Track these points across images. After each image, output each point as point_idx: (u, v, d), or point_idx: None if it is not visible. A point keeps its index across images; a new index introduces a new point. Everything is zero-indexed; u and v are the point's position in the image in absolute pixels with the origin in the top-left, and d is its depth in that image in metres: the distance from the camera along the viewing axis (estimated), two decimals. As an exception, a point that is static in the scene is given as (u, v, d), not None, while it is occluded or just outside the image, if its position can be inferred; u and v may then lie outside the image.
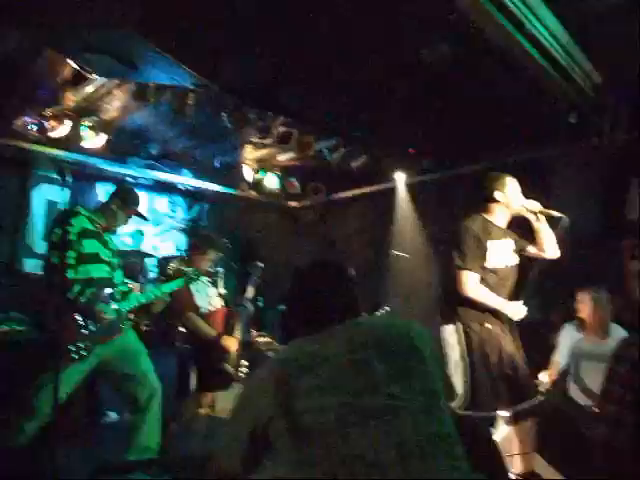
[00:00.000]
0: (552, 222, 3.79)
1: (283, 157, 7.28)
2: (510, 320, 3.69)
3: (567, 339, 4.55)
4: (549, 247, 3.79)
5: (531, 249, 3.85)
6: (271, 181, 7.77)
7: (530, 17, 3.76)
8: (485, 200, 3.74)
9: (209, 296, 4.54)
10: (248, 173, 7.76)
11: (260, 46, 4.32)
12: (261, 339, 6.95)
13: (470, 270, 3.53)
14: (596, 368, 3.85)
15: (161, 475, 2.37)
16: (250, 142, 6.66)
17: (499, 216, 3.73)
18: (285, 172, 7.85)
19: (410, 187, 7.20)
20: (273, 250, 8.30)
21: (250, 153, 7.43)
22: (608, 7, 3.92)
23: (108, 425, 4.83)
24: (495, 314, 3.62)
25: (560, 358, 4.52)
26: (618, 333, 4.28)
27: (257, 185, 7.90)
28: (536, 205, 3.70)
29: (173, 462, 3.06)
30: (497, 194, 3.69)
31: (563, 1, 3.86)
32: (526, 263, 3.88)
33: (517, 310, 3.60)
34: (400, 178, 7.24)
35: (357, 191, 7.80)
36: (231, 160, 7.70)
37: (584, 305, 4.41)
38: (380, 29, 4.10)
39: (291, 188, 7.94)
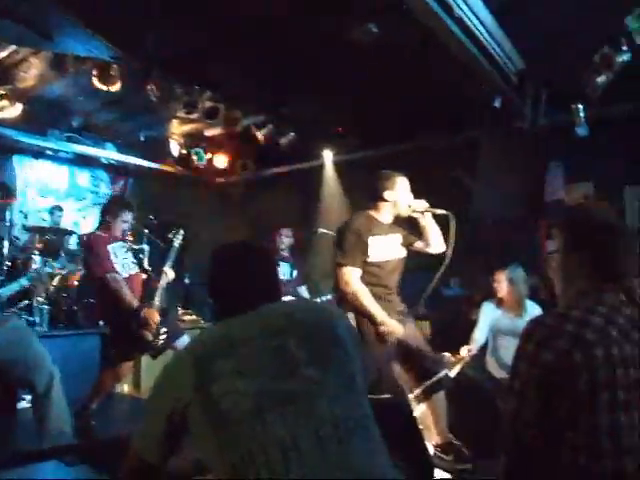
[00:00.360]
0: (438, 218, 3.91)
1: (210, 132, 7.15)
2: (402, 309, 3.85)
3: (486, 316, 4.73)
4: (435, 243, 3.93)
5: (418, 244, 3.98)
6: (198, 156, 7.63)
7: (458, 1, 3.82)
8: (374, 198, 3.83)
9: (126, 260, 4.38)
10: (175, 148, 7.60)
11: (185, 18, 4.22)
12: (187, 317, 6.90)
13: (349, 266, 3.64)
14: (512, 343, 4.03)
15: (78, 461, 2.32)
16: (177, 117, 6.51)
17: (385, 213, 3.82)
18: (212, 147, 7.73)
19: (338, 165, 7.23)
20: (200, 226, 8.20)
21: (177, 128, 7.27)
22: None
23: (24, 410, 4.65)
24: (392, 304, 3.75)
25: (480, 334, 4.69)
26: (533, 310, 4.48)
27: (184, 160, 7.75)
28: (422, 205, 3.82)
29: (92, 447, 2.98)
30: (386, 193, 3.76)
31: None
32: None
33: (393, 328, 3.61)
34: (328, 156, 7.26)
35: (285, 168, 7.77)
36: (157, 134, 7.52)
37: (501, 284, 4.60)
38: (309, 7, 4.08)
39: (218, 164, 7.83)
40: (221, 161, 8.01)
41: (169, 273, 4.56)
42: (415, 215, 3.86)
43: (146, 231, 6.55)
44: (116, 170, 8.04)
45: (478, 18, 4.14)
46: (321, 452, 1.33)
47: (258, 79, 5.38)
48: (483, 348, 4.76)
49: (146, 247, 6.46)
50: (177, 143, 7.59)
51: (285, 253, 6.06)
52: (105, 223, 4.42)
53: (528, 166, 5.67)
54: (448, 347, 4.50)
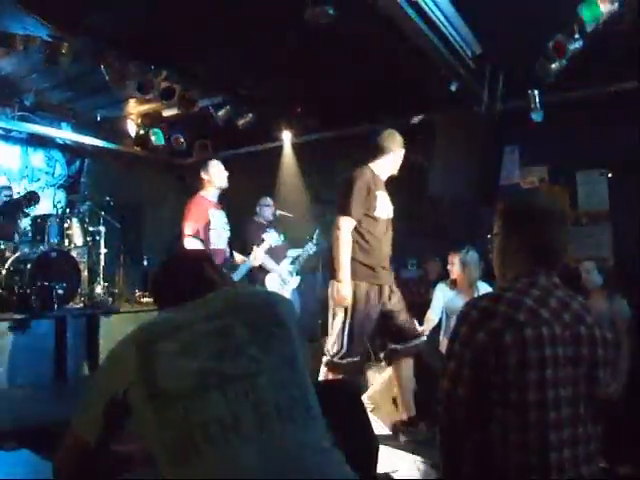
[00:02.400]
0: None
1: (168, 113, 7.05)
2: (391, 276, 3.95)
3: (440, 297, 4.83)
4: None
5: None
6: (156, 137, 7.50)
7: (415, -16, 3.83)
8: (376, 153, 3.91)
9: None
10: (132, 128, 7.47)
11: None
12: (146, 298, 6.84)
13: (349, 216, 3.66)
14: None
15: (14, 447, 2.29)
16: (133, 96, 6.40)
17: (384, 171, 3.93)
18: (170, 128, 7.62)
19: (296, 147, 7.22)
20: (159, 208, 8.13)
21: (134, 108, 7.15)
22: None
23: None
24: (380, 272, 3.81)
25: (433, 314, 4.78)
26: (485, 291, 4.57)
27: (142, 141, 7.63)
28: None
29: (28, 432, 2.93)
30: (397, 151, 3.91)
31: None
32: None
33: (343, 293, 3.66)
34: (287, 137, 7.23)
35: (243, 149, 7.72)
36: (114, 114, 7.38)
37: (455, 266, 4.69)
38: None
39: (177, 145, 7.73)
40: (180, 142, 7.89)
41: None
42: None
43: (102, 213, 6.48)
44: (72, 151, 7.86)
45: (435, 2, 4.16)
46: (261, 431, 1.35)
47: (215, 60, 5.32)
48: (437, 329, 4.85)
49: (102, 229, 6.38)
50: (135, 123, 7.45)
51: (269, 220, 6.00)
52: None
53: (484, 150, 5.73)
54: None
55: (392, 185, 4.04)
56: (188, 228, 4.47)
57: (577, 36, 4.51)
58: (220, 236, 4.69)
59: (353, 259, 3.70)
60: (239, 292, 1.67)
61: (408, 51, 4.67)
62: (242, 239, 5.61)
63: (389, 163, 3.93)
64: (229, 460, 1.31)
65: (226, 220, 4.80)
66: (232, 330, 1.48)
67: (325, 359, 3.79)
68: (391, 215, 3.96)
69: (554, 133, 5.63)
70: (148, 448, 1.43)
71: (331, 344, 3.74)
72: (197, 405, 1.36)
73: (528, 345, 1.49)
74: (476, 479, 1.57)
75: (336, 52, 4.93)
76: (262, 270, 5.43)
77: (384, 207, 3.86)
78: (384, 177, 3.95)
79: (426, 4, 4.08)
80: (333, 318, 3.78)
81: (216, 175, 4.76)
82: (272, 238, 5.46)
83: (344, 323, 3.70)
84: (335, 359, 3.70)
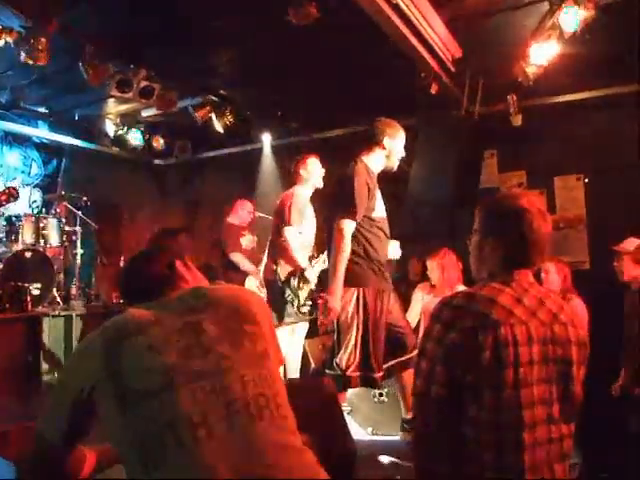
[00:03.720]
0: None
1: (147, 113, 6.99)
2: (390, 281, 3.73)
3: (418, 300, 4.83)
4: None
5: None
6: (135, 137, 7.44)
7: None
8: (371, 145, 3.58)
9: None
10: (110, 128, 7.40)
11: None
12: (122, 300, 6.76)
13: (351, 219, 3.37)
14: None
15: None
16: (112, 96, 6.32)
17: (376, 163, 3.60)
18: (150, 128, 7.56)
19: (276, 149, 7.20)
20: (137, 209, 8.06)
21: (113, 107, 7.07)
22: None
23: None
24: (384, 276, 3.61)
25: (411, 316, 4.77)
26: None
27: (120, 140, 7.55)
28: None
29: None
30: (386, 140, 3.55)
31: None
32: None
33: (333, 304, 3.41)
34: (266, 139, 7.21)
35: (223, 151, 7.69)
36: (92, 113, 7.30)
37: (433, 269, 4.68)
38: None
39: (156, 145, 7.67)
40: (159, 143, 7.84)
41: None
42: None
43: (79, 213, 6.40)
44: (49, 150, 7.75)
45: (415, 5, 4.17)
46: (231, 430, 1.33)
47: (195, 60, 5.29)
48: (416, 331, 4.85)
49: (78, 229, 6.31)
50: (113, 123, 7.38)
51: (247, 222, 5.94)
52: None
53: (464, 154, 5.77)
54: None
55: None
56: (293, 219, 4.35)
57: (555, 42, 4.57)
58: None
59: (357, 264, 3.45)
60: (210, 289, 1.65)
61: (389, 54, 4.67)
62: (219, 240, 5.59)
63: (383, 153, 3.58)
64: (197, 459, 1.28)
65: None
66: (202, 326, 1.46)
67: (330, 373, 3.50)
68: (385, 215, 3.68)
69: (533, 138, 5.70)
70: (115, 447, 1.40)
71: (345, 359, 3.45)
72: (165, 403, 1.33)
73: (502, 344, 1.48)
74: (450, 479, 1.56)
75: (317, 54, 4.94)
76: (240, 272, 5.40)
77: (381, 207, 3.61)
78: (377, 169, 3.61)
79: (407, 6, 4.09)
80: (341, 332, 3.50)
81: (314, 173, 4.61)
82: (248, 240, 5.45)
83: (357, 337, 3.46)
84: (348, 372, 3.43)
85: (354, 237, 3.43)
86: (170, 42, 4.94)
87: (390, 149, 3.59)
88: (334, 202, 3.53)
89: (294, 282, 4.14)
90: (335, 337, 3.54)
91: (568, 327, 1.62)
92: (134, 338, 1.41)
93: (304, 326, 4.63)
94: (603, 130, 5.42)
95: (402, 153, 3.68)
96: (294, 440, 1.42)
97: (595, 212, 5.54)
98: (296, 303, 4.14)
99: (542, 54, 4.67)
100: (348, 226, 3.38)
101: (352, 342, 3.46)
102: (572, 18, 4.25)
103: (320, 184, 4.60)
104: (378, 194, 3.59)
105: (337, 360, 3.48)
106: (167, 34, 4.77)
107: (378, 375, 3.48)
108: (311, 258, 4.32)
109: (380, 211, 3.60)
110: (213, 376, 1.38)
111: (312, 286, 4.14)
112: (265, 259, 4.80)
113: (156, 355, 1.38)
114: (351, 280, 3.46)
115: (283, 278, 4.26)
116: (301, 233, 4.44)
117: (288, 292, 4.16)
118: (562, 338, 1.59)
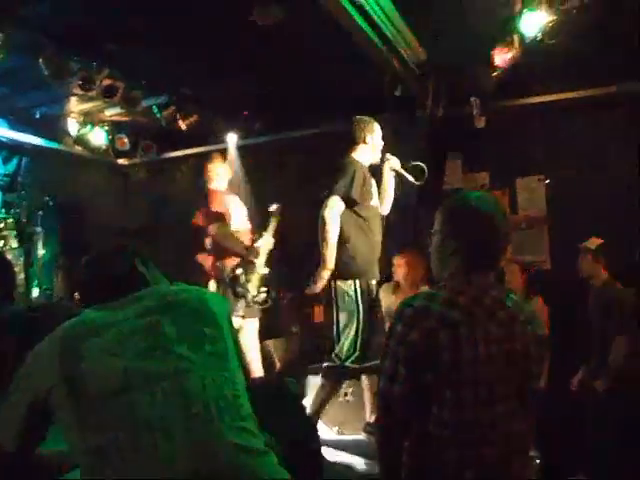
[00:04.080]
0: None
1: (111, 112, 6.88)
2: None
3: (384, 299, 4.84)
4: (387, 204, 4.06)
5: None
6: (98, 136, 7.31)
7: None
8: (355, 142, 3.84)
9: None
10: (73, 127, 7.25)
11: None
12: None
13: (341, 198, 3.57)
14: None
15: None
16: (74, 94, 6.21)
17: (364, 159, 3.84)
18: (114, 128, 7.44)
19: (242, 149, 7.16)
20: (101, 209, 7.92)
21: (75, 106, 6.93)
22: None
23: None
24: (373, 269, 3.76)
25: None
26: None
27: (83, 140, 7.41)
28: (397, 162, 3.99)
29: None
30: (368, 137, 3.84)
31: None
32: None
33: (321, 280, 3.60)
34: (231, 139, 7.17)
35: (188, 151, 7.62)
36: (54, 112, 7.15)
37: (398, 269, 4.72)
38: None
39: (120, 144, 7.55)
40: (123, 142, 7.71)
41: None
42: (385, 169, 3.97)
43: (40, 213, 6.28)
44: (9, 148, 7.57)
45: (380, 7, 4.20)
46: (190, 432, 1.32)
47: (160, 58, 5.24)
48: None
49: (39, 229, 6.18)
50: (76, 122, 7.24)
51: None
52: None
53: (427, 155, 5.81)
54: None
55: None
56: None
57: (517, 46, 4.64)
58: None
59: (353, 258, 3.60)
60: (170, 289, 1.62)
61: (354, 55, 4.69)
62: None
63: (368, 151, 3.86)
64: (156, 463, 1.27)
65: None
66: (161, 328, 1.44)
67: (328, 364, 3.62)
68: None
69: (495, 140, 5.77)
70: (72, 451, 1.37)
71: (345, 350, 3.55)
72: (122, 406, 1.31)
73: (462, 344, 1.51)
74: (414, 477, 1.58)
75: (283, 54, 4.92)
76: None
77: (376, 196, 3.85)
78: (367, 165, 3.87)
79: (371, 8, 4.12)
80: (340, 323, 3.61)
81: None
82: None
83: (357, 328, 3.56)
84: (348, 363, 3.54)
85: (353, 226, 3.62)
86: (133, 39, 4.87)
87: (373, 144, 3.88)
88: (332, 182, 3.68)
89: (241, 275, 4.16)
90: (334, 328, 3.64)
91: (528, 326, 1.65)
92: (91, 341, 1.38)
93: (253, 322, 4.53)
94: (565, 132, 5.53)
95: (381, 145, 3.94)
96: (255, 442, 1.42)
97: (556, 213, 5.63)
98: (249, 296, 4.14)
99: (504, 58, 4.74)
100: (333, 202, 3.56)
101: (352, 333, 3.56)
102: (534, 22, 4.33)
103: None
104: (374, 184, 3.81)
105: (336, 351, 3.59)
106: (130, 31, 4.70)
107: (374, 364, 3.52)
108: (252, 242, 4.39)
109: (376, 200, 3.82)
110: (172, 378, 1.37)
111: (262, 270, 4.17)
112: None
113: (113, 357, 1.36)
114: (351, 271, 3.60)
115: (230, 274, 4.27)
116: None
117: (238, 287, 4.17)
118: (522, 337, 1.62)
